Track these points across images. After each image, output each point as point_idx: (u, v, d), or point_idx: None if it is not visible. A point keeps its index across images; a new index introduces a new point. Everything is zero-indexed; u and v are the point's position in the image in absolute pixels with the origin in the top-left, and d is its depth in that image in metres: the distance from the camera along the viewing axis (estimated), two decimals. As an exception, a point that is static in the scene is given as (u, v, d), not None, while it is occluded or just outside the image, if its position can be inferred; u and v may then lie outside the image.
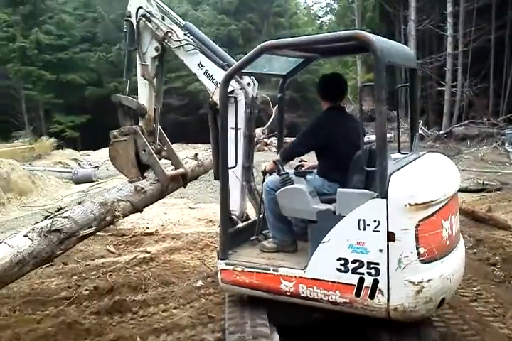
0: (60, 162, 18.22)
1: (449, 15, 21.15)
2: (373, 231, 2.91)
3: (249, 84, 4.29)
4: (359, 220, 2.95)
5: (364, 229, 2.94)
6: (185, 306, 4.60)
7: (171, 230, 7.53)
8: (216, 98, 4.20)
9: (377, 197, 2.90)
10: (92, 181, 14.98)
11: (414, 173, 3.11)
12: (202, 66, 4.42)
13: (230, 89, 3.79)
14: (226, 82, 3.53)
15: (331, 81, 3.89)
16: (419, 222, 2.86)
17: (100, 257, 6.31)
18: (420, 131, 19.02)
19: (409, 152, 3.51)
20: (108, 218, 4.21)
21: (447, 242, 3.08)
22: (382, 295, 2.93)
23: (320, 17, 38.17)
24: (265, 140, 18.72)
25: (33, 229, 3.57)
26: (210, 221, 7.94)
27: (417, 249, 2.87)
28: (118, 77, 33.90)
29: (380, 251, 2.90)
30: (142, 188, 4.60)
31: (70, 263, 6.12)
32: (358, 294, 3.00)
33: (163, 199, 10.11)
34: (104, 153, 24.94)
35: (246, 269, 3.46)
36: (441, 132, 18.96)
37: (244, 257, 3.65)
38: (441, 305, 3.14)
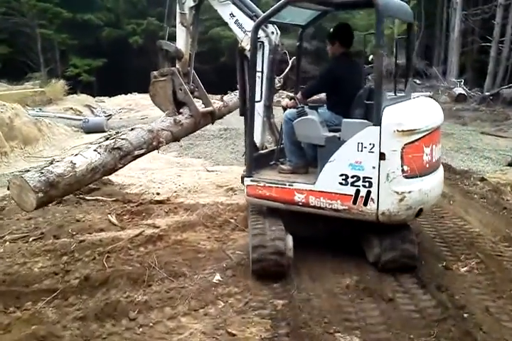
0: (72, 108, 17.07)
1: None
2: (369, 152, 3.66)
3: (272, 32, 4.74)
4: (358, 143, 3.70)
5: (361, 151, 3.70)
6: (197, 312, 3.56)
7: (184, 198, 6.43)
8: (244, 44, 4.76)
9: (373, 125, 3.66)
10: (104, 131, 13.79)
11: (403, 108, 3.89)
12: (233, 16, 4.90)
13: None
14: (256, 29, 4.26)
15: (345, 30, 4.56)
16: (404, 145, 3.61)
17: (99, 230, 5.27)
18: (462, 91, 17.43)
19: (403, 93, 4.27)
20: (154, 143, 4.77)
21: (427, 165, 3.84)
22: (374, 202, 3.72)
23: None
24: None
25: (99, 146, 4.19)
26: (231, 189, 6.81)
27: (402, 166, 3.63)
28: (136, 17, 32.27)
29: (373, 167, 3.67)
30: (180, 121, 5.18)
31: (62, 236, 5.11)
32: (354, 202, 3.79)
33: (178, 160, 9.11)
34: (118, 100, 23.85)
35: (267, 184, 4.25)
36: (486, 93, 17.21)
37: (265, 176, 4.44)
38: (420, 215, 3.93)
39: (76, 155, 4.00)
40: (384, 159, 3.62)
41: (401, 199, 3.67)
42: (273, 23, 4.72)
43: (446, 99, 17.56)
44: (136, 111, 18.39)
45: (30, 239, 5.04)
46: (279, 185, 4.18)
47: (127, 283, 3.96)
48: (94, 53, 32.01)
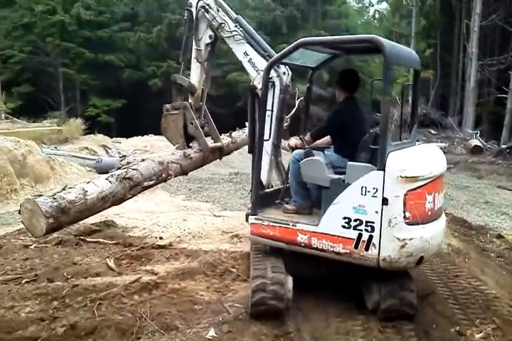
0: (87, 148, 17.19)
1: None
2: (372, 196, 3.66)
3: (284, 73, 4.88)
4: (362, 187, 3.71)
5: (365, 195, 3.70)
6: (186, 375, 3.29)
7: (187, 244, 6.22)
8: (256, 83, 4.85)
9: (377, 169, 3.67)
10: (117, 170, 13.80)
11: (408, 154, 3.91)
12: (247, 54, 5.03)
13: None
14: (268, 69, 4.40)
15: (351, 75, 4.73)
16: (407, 191, 3.61)
17: (95, 275, 5.06)
18: (478, 143, 17.26)
19: (408, 140, 4.32)
20: (163, 175, 4.90)
21: (429, 212, 3.82)
22: (375, 247, 3.68)
23: (373, 5, 35.41)
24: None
25: (111, 175, 4.32)
26: (236, 235, 6.60)
27: (404, 212, 3.61)
28: (157, 60, 33.09)
29: (376, 212, 3.66)
30: (189, 155, 5.29)
31: (56, 280, 4.92)
32: (356, 246, 3.76)
33: (186, 203, 8.96)
34: (135, 141, 24.03)
35: (271, 223, 4.27)
36: (503, 146, 16.99)
37: (270, 215, 4.44)
38: (421, 263, 3.86)
39: (88, 182, 4.13)
40: (387, 204, 3.63)
41: (402, 246, 3.66)
42: (284, 63, 4.84)
43: (461, 150, 17.37)
44: (150, 153, 18.40)
45: (23, 281, 4.86)
46: (283, 225, 4.22)
47: (115, 335, 3.74)
48: (114, 94, 32.64)
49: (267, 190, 4.87)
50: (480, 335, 3.84)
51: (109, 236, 6.34)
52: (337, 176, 4.07)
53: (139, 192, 4.65)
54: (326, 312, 4.14)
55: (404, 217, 3.62)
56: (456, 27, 24.60)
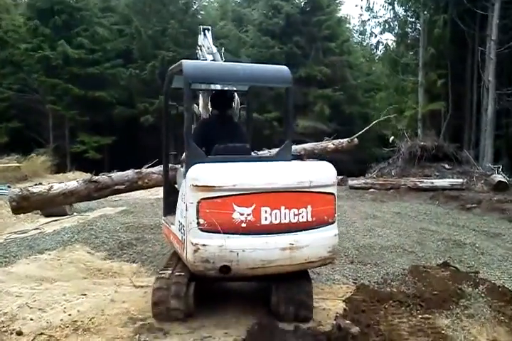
0: (45, 186, 14.90)
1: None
2: (183, 202, 4.03)
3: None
4: (182, 194, 4.20)
5: (182, 201, 4.15)
6: None
7: (52, 347, 3.69)
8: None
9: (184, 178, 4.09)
10: (66, 214, 11.40)
11: (221, 166, 4.00)
12: None
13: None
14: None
15: (220, 96, 5.25)
16: (201, 199, 3.80)
17: None
18: (502, 179, 14.76)
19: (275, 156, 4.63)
20: (139, 182, 5.97)
21: (242, 224, 3.83)
22: (185, 250, 3.93)
23: (376, 35, 33.15)
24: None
25: (83, 179, 5.81)
26: (146, 325, 4.09)
27: (198, 219, 3.81)
28: (150, 97, 31.26)
29: (185, 217, 3.94)
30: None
31: None
32: (182, 248, 4.06)
33: (103, 264, 6.21)
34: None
35: (165, 224, 4.99)
36: (528, 181, 14.40)
37: (169, 216, 4.85)
38: (229, 273, 3.86)
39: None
40: (187, 210, 3.88)
41: (195, 251, 3.80)
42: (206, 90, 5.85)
43: (482, 187, 14.78)
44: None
45: None
46: (167, 225, 4.90)
47: None
48: (105, 130, 30.89)
49: None
50: None
51: None
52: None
53: (107, 195, 6.16)
54: None
55: (198, 223, 3.78)
56: (469, 55, 22.50)
